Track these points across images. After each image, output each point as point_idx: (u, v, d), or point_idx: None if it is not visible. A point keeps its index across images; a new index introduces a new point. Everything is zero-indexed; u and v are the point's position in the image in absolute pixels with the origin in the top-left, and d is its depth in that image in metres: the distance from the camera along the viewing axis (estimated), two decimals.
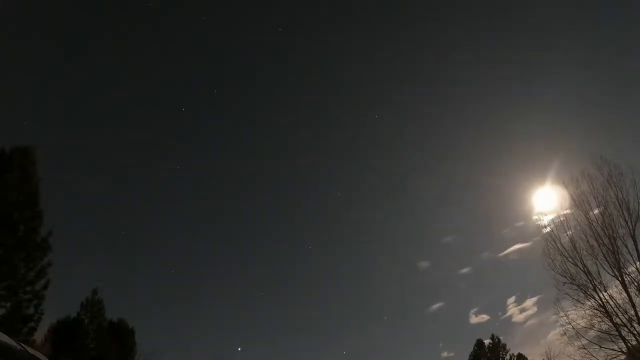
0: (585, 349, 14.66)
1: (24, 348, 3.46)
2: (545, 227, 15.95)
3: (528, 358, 33.48)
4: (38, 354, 3.83)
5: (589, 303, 14.64)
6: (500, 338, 35.22)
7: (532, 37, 33.54)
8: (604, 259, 14.37)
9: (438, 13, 35.42)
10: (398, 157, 43.75)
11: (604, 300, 14.36)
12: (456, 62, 36.85)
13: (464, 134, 40.31)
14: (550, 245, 15.59)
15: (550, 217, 16.00)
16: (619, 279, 14.06)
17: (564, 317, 15.13)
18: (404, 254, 46.65)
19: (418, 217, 46.06)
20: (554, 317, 15.64)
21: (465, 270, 42.16)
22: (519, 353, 34.39)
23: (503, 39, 35.41)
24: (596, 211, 14.67)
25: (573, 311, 15.02)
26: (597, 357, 14.46)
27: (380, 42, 38.09)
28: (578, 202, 15.10)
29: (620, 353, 14.17)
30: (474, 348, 35.12)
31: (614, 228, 14.31)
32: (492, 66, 36.19)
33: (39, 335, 17.04)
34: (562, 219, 15.61)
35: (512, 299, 36.97)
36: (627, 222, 14.12)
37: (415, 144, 43.27)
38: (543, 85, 34.53)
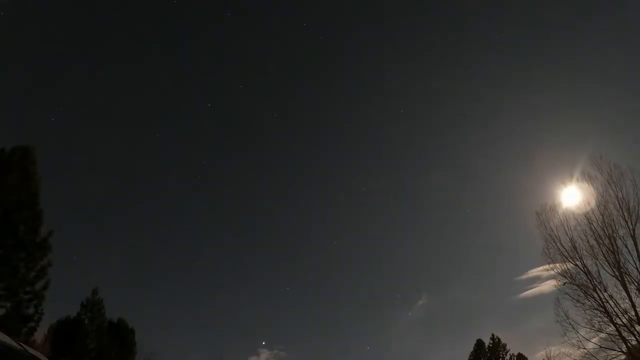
0: (585, 349, 14.68)
1: (24, 348, 3.46)
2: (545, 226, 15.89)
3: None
4: (38, 354, 3.83)
5: (589, 303, 14.66)
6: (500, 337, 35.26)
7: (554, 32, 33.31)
8: (604, 259, 14.40)
9: (462, 8, 35.19)
10: (417, 154, 43.80)
11: (604, 300, 14.37)
12: (478, 59, 36.65)
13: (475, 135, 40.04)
14: (550, 245, 15.62)
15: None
16: (619, 279, 14.06)
17: (564, 317, 15.15)
18: (419, 253, 46.59)
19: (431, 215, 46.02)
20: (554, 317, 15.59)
21: None
22: (519, 353, 34.38)
23: (526, 35, 35.29)
24: (596, 211, 14.70)
25: (573, 311, 15.05)
26: (597, 358, 14.48)
27: (399, 39, 37.94)
28: (578, 202, 15.16)
29: (620, 353, 14.17)
30: (474, 348, 35.06)
31: (614, 228, 14.33)
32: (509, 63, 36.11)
33: (39, 335, 17.07)
34: (562, 218, 15.63)
35: None
36: (627, 222, 14.15)
37: (435, 142, 43.16)
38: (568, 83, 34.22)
